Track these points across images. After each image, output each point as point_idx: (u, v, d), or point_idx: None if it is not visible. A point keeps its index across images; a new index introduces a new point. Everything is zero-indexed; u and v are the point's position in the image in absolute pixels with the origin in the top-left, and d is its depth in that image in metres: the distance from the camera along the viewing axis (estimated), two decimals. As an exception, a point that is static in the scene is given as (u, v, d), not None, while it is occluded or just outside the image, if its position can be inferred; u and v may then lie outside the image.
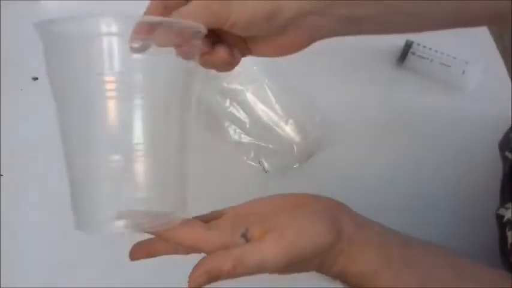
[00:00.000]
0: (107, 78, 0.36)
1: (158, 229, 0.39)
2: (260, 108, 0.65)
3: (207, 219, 0.44)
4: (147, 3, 0.67)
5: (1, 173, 0.63)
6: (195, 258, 0.39)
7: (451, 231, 0.63)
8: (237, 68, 0.64)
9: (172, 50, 0.37)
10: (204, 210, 0.64)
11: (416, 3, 0.42)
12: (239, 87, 0.65)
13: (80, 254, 0.60)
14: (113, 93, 0.36)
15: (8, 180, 0.63)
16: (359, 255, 0.39)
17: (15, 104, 0.68)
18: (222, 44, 0.42)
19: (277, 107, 0.65)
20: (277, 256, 0.37)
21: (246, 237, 0.39)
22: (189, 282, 0.37)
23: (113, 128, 0.37)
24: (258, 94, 0.65)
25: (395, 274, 0.39)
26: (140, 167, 0.37)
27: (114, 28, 0.36)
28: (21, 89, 0.69)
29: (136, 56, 0.36)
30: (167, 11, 0.42)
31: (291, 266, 0.39)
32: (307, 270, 0.42)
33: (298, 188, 0.63)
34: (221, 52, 0.42)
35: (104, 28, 0.37)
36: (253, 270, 0.38)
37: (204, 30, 0.38)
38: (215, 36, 0.42)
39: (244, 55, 0.46)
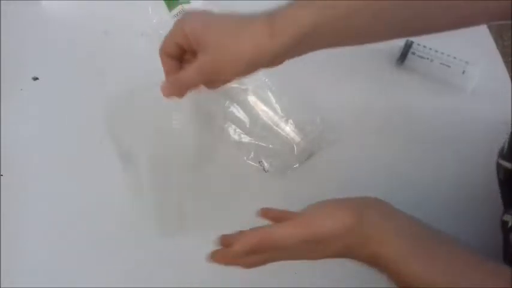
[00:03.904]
0: None
1: None
2: (260, 108, 0.65)
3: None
4: (145, 3, 0.67)
5: (1, 173, 0.63)
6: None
7: (451, 231, 0.63)
8: None
9: None
10: (204, 209, 0.64)
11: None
12: (239, 87, 0.65)
13: (80, 254, 0.60)
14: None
15: (8, 180, 0.63)
16: (390, 242, 0.43)
17: (15, 104, 0.68)
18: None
19: (277, 107, 0.65)
20: (292, 232, 0.45)
21: None
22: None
23: None
24: (258, 94, 0.65)
25: (422, 263, 0.43)
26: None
27: None
28: (21, 89, 0.69)
29: None
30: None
31: (309, 243, 0.44)
32: (333, 252, 0.46)
33: (298, 188, 0.63)
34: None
35: None
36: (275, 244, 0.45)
37: None
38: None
39: None
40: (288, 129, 0.65)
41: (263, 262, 0.48)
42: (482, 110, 0.70)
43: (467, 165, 0.67)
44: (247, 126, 0.64)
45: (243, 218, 0.63)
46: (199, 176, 0.65)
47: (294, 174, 0.64)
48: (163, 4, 0.67)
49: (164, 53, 0.49)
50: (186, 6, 0.66)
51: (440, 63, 0.72)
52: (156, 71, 0.71)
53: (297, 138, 0.65)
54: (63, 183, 0.64)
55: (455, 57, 0.72)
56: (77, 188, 0.63)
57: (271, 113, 0.65)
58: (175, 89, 0.48)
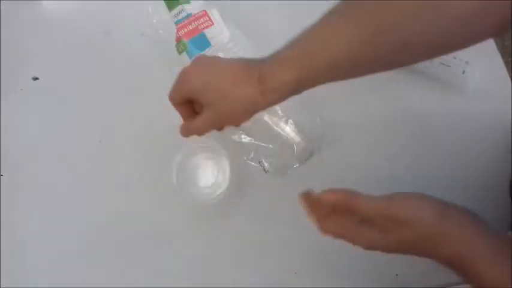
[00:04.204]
0: None
1: None
2: None
3: None
4: (144, 3, 0.68)
5: (1, 173, 0.63)
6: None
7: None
8: None
9: None
10: (204, 210, 0.64)
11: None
12: None
13: (80, 253, 0.60)
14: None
15: (8, 180, 0.63)
16: (476, 243, 0.44)
17: (15, 104, 0.68)
18: None
19: (277, 107, 0.65)
20: (379, 203, 0.46)
21: None
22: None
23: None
24: None
25: (506, 268, 0.43)
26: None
27: None
28: (21, 89, 0.69)
29: None
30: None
31: (392, 221, 0.45)
32: (411, 241, 0.46)
33: (299, 188, 0.63)
34: None
35: None
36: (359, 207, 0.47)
37: None
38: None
39: None
40: (288, 129, 0.65)
41: (341, 232, 0.48)
42: (482, 110, 0.70)
43: (467, 165, 0.67)
44: (247, 126, 0.64)
45: (243, 219, 0.63)
46: (200, 175, 0.65)
47: (294, 174, 0.64)
48: (163, 4, 0.67)
49: (173, 103, 0.54)
50: (186, 6, 0.66)
51: (440, 63, 0.72)
52: (156, 70, 0.71)
53: (297, 138, 0.65)
54: (63, 183, 0.64)
55: (455, 57, 0.72)
56: (76, 188, 0.63)
57: (271, 113, 0.65)
58: (189, 133, 0.54)
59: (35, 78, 0.70)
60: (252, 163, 0.63)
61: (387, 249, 0.47)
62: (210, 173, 0.63)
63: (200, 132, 0.54)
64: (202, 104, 0.52)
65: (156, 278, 0.59)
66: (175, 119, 0.68)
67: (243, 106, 0.51)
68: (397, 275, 0.60)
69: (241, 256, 0.61)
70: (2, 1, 0.74)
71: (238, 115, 0.52)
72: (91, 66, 0.71)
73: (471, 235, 0.45)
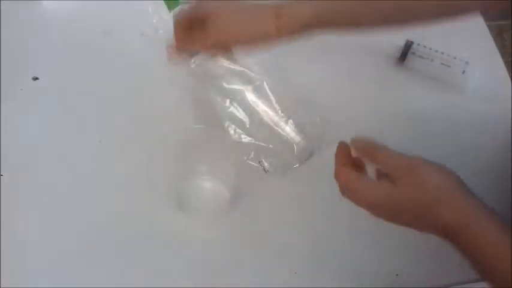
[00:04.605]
0: None
1: None
2: (260, 108, 0.65)
3: None
4: (144, 3, 0.68)
5: (1, 173, 0.63)
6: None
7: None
8: (237, 68, 0.64)
9: None
10: (205, 209, 0.64)
11: None
12: (239, 87, 0.65)
13: (80, 253, 0.60)
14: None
15: (8, 180, 0.63)
16: (478, 217, 0.45)
17: (15, 104, 0.68)
18: None
19: (277, 107, 0.65)
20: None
21: None
22: None
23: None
24: (258, 94, 0.65)
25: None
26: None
27: None
28: (21, 89, 0.69)
29: None
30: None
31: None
32: (425, 216, 0.47)
33: (299, 188, 0.63)
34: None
35: None
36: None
37: None
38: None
39: None
40: (288, 129, 0.65)
41: (352, 179, 0.50)
42: (482, 110, 0.70)
43: (467, 165, 0.67)
44: (247, 126, 0.64)
45: (243, 219, 0.63)
46: (200, 176, 0.65)
47: (294, 174, 0.64)
48: (163, 4, 0.67)
49: (176, 21, 0.56)
50: (186, 7, 0.66)
51: (441, 63, 0.72)
52: (156, 70, 0.71)
53: (297, 138, 0.65)
54: (63, 183, 0.64)
55: (455, 57, 0.72)
56: (76, 188, 0.63)
57: (271, 113, 0.65)
58: (188, 44, 0.56)
59: (35, 78, 0.70)
60: (252, 163, 0.63)
61: (391, 208, 0.48)
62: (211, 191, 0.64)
63: (202, 43, 0.56)
64: (208, 27, 0.53)
65: (156, 278, 0.59)
66: (176, 119, 0.68)
67: (254, 32, 0.53)
68: (397, 275, 0.60)
69: (241, 256, 0.61)
70: (2, 1, 0.74)
71: (244, 38, 0.54)
72: (91, 66, 0.71)
73: (471, 207, 0.46)
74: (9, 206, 0.61)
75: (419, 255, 0.62)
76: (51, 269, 0.58)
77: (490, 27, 0.79)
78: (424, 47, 0.73)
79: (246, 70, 0.64)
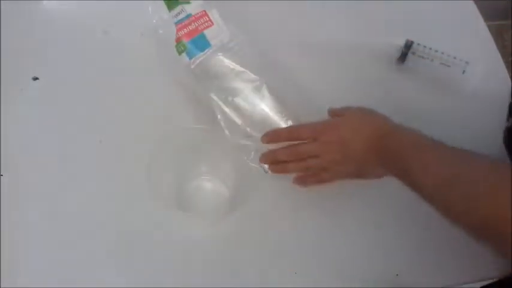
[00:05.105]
0: None
1: None
2: (260, 109, 0.65)
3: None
4: (145, 3, 0.68)
5: (1, 173, 0.63)
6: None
7: (453, 231, 0.63)
8: (237, 68, 0.64)
9: None
10: (205, 210, 0.64)
11: None
12: (239, 86, 0.65)
13: (80, 253, 0.60)
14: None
15: (8, 180, 0.63)
16: (399, 131, 0.56)
17: (15, 104, 0.68)
18: None
19: (276, 107, 0.65)
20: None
21: None
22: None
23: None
24: (258, 94, 0.65)
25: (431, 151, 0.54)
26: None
27: None
28: (21, 89, 0.69)
29: None
30: None
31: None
32: (367, 164, 0.58)
33: (299, 189, 0.63)
34: None
35: None
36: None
37: None
38: None
39: None
40: (287, 129, 0.65)
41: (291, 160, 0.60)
42: (483, 110, 0.70)
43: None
44: (247, 126, 0.64)
45: (243, 219, 0.63)
46: (200, 176, 0.65)
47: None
48: (163, 4, 0.67)
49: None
50: (186, 7, 0.66)
51: (440, 63, 0.72)
52: (156, 70, 0.71)
53: (297, 139, 0.65)
54: (63, 183, 0.64)
55: (455, 57, 0.72)
56: (76, 188, 0.63)
57: (271, 114, 0.65)
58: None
59: (35, 78, 0.70)
60: (253, 164, 0.63)
61: (336, 166, 0.59)
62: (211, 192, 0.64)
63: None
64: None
65: (156, 277, 0.59)
66: (176, 119, 0.68)
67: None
68: (397, 275, 0.61)
69: (241, 256, 0.61)
70: (2, 1, 0.74)
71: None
72: (91, 66, 0.71)
73: (393, 126, 0.57)
74: (9, 206, 0.61)
75: (419, 255, 0.62)
76: (51, 269, 0.58)
77: (490, 27, 0.79)
78: (424, 47, 0.73)
79: (246, 71, 0.64)
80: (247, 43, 0.66)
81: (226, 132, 0.63)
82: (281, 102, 0.65)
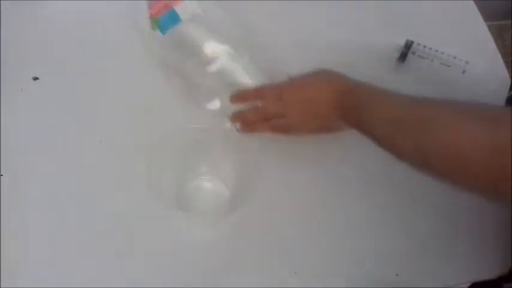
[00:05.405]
0: None
1: None
2: (235, 73, 0.66)
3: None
4: (143, 4, 0.68)
5: (1, 173, 0.63)
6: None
7: (450, 232, 0.63)
8: (210, 35, 0.66)
9: None
10: (205, 210, 0.64)
11: None
12: (212, 54, 0.66)
13: (80, 254, 0.60)
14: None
15: (8, 180, 0.63)
16: (364, 87, 0.58)
17: (15, 104, 0.68)
18: None
19: (251, 70, 0.66)
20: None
21: None
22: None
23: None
24: (231, 59, 0.66)
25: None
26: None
27: None
28: (21, 89, 0.69)
29: None
30: None
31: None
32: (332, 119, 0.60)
33: (299, 188, 0.63)
34: None
35: None
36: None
37: None
38: None
39: None
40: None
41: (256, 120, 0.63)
42: (482, 110, 0.70)
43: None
44: (224, 92, 0.65)
45: (243, 219, 0.63)
46: (200, 176, 0.65)
47: (294, 173, 0.64)
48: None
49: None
50: (186, 6, 0.66)
51: (440, 63, 0.72)
52: (155, 70, 0.71)
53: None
54: (63, 183, 0.64)
55: (455, 57, 0.72)
56: (76, 188, 0.63)
57: (244, 77, 0.66)
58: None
59: (35, 78, 0.70)
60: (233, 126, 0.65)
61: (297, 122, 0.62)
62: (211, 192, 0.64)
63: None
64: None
65: (156, 277, 0.59)
66: (176, 118, 0.68)
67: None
68: (397, 275, 0.61)
69: (241, 256, 0.61)
70: (2, 1, 0.74)
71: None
72: (91, 66, 0.71)
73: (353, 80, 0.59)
74: (9, 206, 0.61)
75: (419, 255, 0.62)
76: (51, 269, 0.58)
77: (490, 27, 0.79)
78: (424, 47, 0.73)
79: (219, 37, 0.66)
80: (222, 14, 0.68)
81: (203, 100, 0.65)
82: (256, 68, 0.66)
